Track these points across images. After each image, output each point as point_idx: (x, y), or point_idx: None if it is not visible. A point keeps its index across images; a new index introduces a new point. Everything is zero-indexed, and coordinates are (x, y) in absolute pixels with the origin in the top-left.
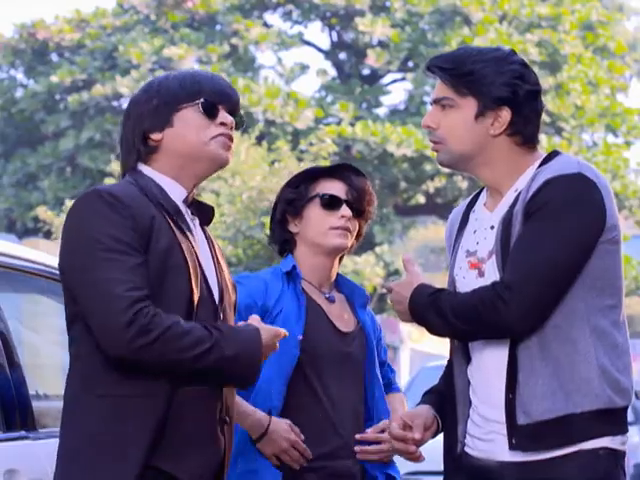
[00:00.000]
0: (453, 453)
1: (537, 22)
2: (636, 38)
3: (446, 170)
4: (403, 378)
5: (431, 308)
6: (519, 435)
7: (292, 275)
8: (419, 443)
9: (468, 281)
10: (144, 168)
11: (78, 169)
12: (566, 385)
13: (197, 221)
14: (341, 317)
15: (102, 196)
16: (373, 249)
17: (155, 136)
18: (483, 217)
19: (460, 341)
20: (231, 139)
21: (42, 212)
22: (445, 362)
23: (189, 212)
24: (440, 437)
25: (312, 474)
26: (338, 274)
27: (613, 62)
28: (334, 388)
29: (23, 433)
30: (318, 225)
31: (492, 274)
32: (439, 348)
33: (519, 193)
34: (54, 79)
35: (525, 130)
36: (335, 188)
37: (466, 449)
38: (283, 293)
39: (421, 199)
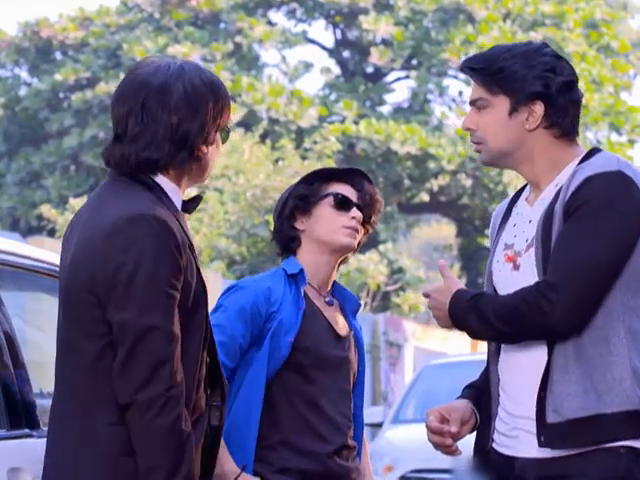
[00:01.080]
0: (484, 449)
1: (541, 20)
2: None
3: (450, 168)
4: (407, 376)
5: (472, 312)
6: (548, 433)
7: (297, 279)
8: (456, 437)
9: (504, 274)
10: (161, 179)
11: (82, 167)
12: (598, 385)
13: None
14: (337, 321)
15: (153, 224)
16: (377, 247)
17: (204, 149)
18: (523, 211)
19: (500, 342)
20: None
21: (46, 210)
22: (449, 360)
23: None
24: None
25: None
26: (333, 281)
27: (617, 60)
28: (331, 391)
29: (27, 431)
30: (329, 224)
31: (528, 268)
32: (443, 346)
33: (560, 188)
34: (58, 77)
35: (562, 122)
36: (347, 191)
37: (494, 445)
38: (284, 298)
39: (425, 197)
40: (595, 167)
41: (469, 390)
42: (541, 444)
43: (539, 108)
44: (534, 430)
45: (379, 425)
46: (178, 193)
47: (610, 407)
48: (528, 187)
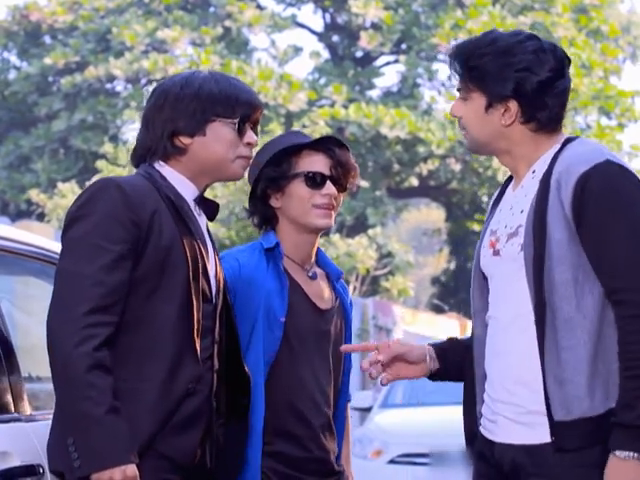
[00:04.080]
0: (471, 431)
1: (530, 5)
2: (630, 21)
3: (439, 152)
4: None
5: (634, 412)
6: (561, 432)
7: (274, 253)
8: (385, 367)
9: (486, 258)
10: (161, 166)
11: (71, 151)
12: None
13: (204, 217)
14: (321, 294)
15: (112, 187)
16: (366, 231)
17: (185, 140)
18: (508, 196)
19: None
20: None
21: (35, 195)
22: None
23: (197, 209)
24: (430, 421)
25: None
26: (317, 249)
27: (607, 45)
28: (314, 366)
29: (15, 415)
30: (301, 203)
31: (509, 257)
32: (432, 330)
33: (546, 177)
34: (47, 61)
35: (540, 116)
36: (319, 163)
37: (480, 428)
38: (258, 273)
39: (414, 181)
40: (584, 160)
41: (441, 342)
42: (555, 445)
43: (513, 106)
44: (512, 416)
45: (368, 409)
46: (189, 187)
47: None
48: None
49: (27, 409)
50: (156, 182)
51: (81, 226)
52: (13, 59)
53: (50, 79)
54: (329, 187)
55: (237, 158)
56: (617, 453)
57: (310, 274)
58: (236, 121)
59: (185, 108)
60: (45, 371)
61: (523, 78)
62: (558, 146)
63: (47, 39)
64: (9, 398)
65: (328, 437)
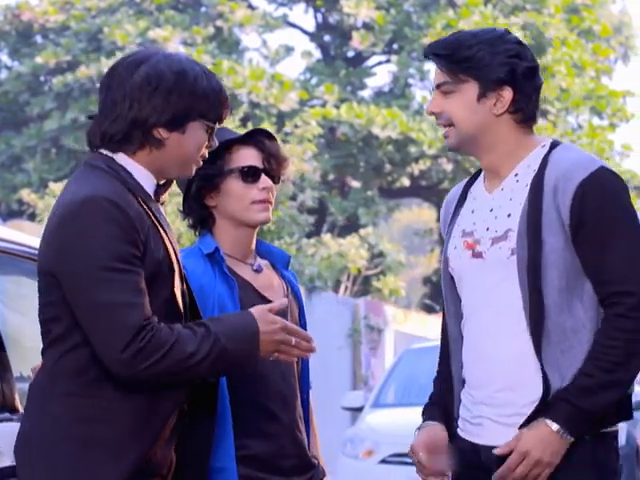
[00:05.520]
0: (450, 433)
1: (522, 5)
2: (621, 21)
3: (431, 152)
4: (387, 360)
5: (592, 401)
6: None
7: (215, 257)
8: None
9: (463, 261)
10: (122, 158)
11: (63, 151)
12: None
13: (161, 207)
14: (270, 287)
15: (104, 205)
16: (357, 231)
17: (164, 133)
18: (482, 198)
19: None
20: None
21: (26, 194)
22: (429, 344)
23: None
24: (419, 421)
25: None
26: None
27: (598, 45)
28: (277, 360)
29: (7, 415)
30: (239, 200)
31: (495, 261)
32: (423, 330)
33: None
34: (39, 61)
35: (527, 107)
36: (251, 157)
37: (458, 431)
38: (212, 276)
39: (406, 181)
40: (581, 167)
41: (436, 410)
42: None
43: (507, 93)
44: (501, 419)
45: (359, 409)
46: (150, 179)
47: None
48: (483, 173)
49: (18, 409)
50: (126, 182)
51: (92, 252)
52: (4, 58)
53: (42, 79)
54: (265, 181)
55: (200, 158)
56: (551, 424)
57: (255, 267)
58: (213, 125)
59: (176, 101)
60: None
61: (516, 64)
62: (543, 150)
63: (39, 39)
64: (1, 398)
65: (300, 430)
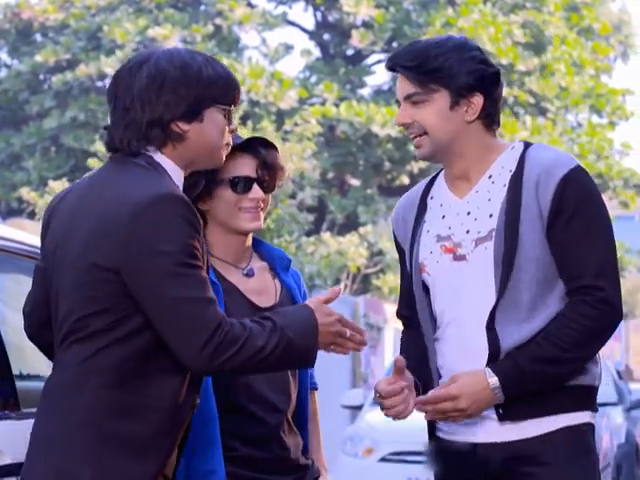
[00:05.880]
0: (433, 435)
1: (522, 3)
2: (621, 19)
3: None
4: (387, 358)
5: (534, 366)
6: (507, 405)
7: None
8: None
9: (442, 264)
10: (156, 155)
11: (62, 149)
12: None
13: None
14: (261, 291)
15: (176, 203)
16: (357, 229)
17: (183, 126)
18: (453, 203)
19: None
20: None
21: (26, 193)
22: None
23: None
24: (421, 420)
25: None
26: (256, 239)
27: (598, 43)
28: None
29: (6, 413)
30: (230, 208)
31: (481, 261)
32: None
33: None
34: (38, 59)
35: (494, 112)
36: (244, 166)
37: (441, 434)
38: None
39: (405, 180)
40: (561, 163)
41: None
42: (500, 417)
43: (478, 100)
44: (490, 414)
45: (359, 408)
46: (178, 174)
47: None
48: (441, 180)
49: (18, 407)
50: (171, 179)
51: (167, 248)
52: (4, 57)
53: (41, 77)
54: (256, 191)
55: (225, 145)
56: (491, 378)
57: (246, 272)
58: (228, 108)
59: (186, 93)
60: (36, 369)
61: (483, 69)
62: (515, 151)
63: (38, 37)
64: (0, 396)
65: (289, 433)
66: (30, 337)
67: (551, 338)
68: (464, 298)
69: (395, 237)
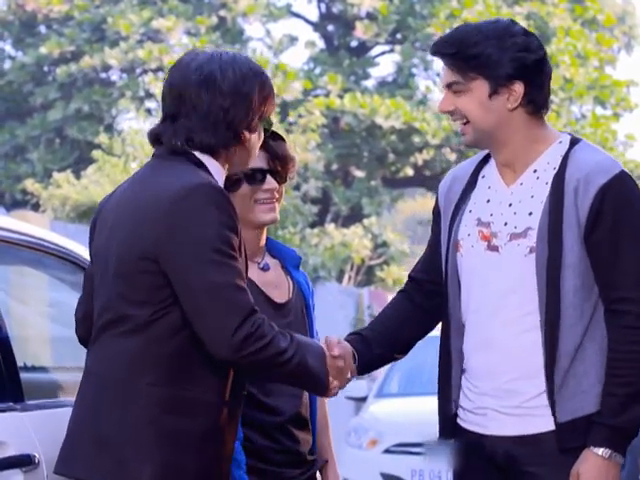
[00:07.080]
0: (448, 420)
1: None
2: (625, 11)
3: (434, 142)
4: None
5: (623, 418)
6: (564, 433)
7: None
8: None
9: (476, 250)
10: (206, 159)
11: (66, 141)
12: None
13: None
14: (277, 286)
15: (215, 193)
16: (361, 221)
17: (247, 135)
18: (499, 189)
19: None
20: None
21: (30, 184)
22: (433, 334)
23: None
24: (425, 411)
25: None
26: (267, 238)
27: (602, 35)
28: None
29: (11, 404)
30: (245, 201)
31: (515, 257)
32: None
33: (564, 184)
34: (42, 51)
35: (539, 98)
36: (257, 159)
37: (459, 421)
38: None
39: (409, 171)
40: (602, 171)
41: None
42: (561, 447)
43: (519, 88)
44: (506, 409)
45: (363, 399)
46: (222, 174)
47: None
48: (493, 163)
49: (23, 399)
50: (211, 175)
51: (204, 234)
52: (8, 49)
53: (45, 69)
54: (270, 182)
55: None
56: (596, 450)
57: (261, 266)
58: (265, 126)
59: (258, 106)
60: (40, 360)
61: (524, 57)
62: (562, 147)
63: (42, 29)
64: (4, 388)
65: (301, 427)
66: (82, 341)
67: (617, 380)
68: (493, 291)
69: (437, 202)
